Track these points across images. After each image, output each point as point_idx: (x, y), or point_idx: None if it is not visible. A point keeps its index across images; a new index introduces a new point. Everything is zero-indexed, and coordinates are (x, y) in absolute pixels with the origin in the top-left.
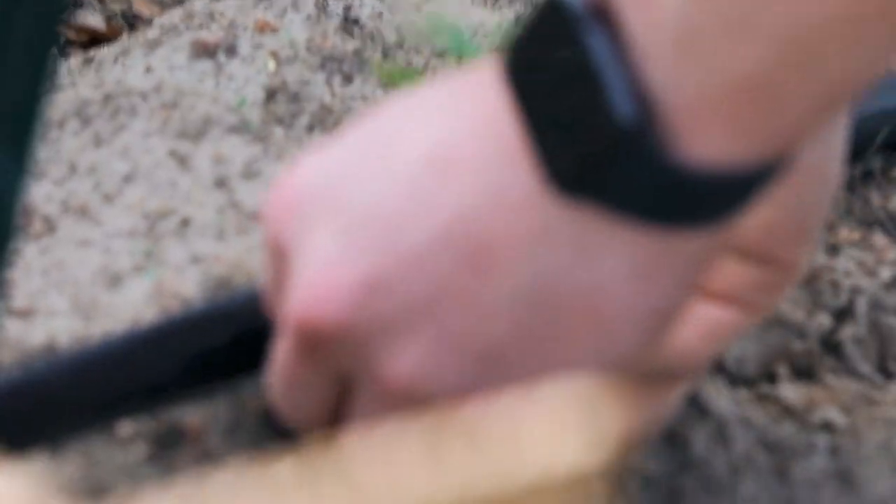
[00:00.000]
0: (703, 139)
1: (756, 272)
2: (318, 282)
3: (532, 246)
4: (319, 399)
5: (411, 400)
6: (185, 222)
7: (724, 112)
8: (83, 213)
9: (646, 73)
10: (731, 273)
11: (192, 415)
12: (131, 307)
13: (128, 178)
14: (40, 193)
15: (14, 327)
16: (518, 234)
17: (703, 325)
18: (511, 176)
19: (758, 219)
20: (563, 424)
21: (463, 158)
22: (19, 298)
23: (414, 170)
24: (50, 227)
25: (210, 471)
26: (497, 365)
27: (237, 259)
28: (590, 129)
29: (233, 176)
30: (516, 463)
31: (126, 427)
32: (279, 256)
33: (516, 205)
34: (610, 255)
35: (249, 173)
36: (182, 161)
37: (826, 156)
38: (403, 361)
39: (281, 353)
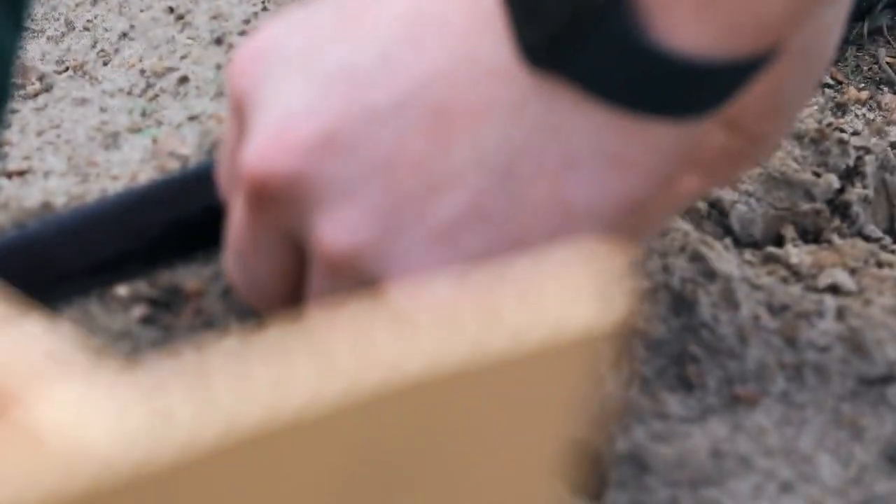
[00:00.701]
0: (677, 24)
1: (722, 139)
2: (275, 132)
3: (498, 117)
4: (273, 271)
5: (353, 273)
6: (183, 80)
7: None
8: (80, 71)
9: None
10: None
11: (190, 277)
12: (128, 166)
13: (125, 36)
14: (37, 51)
15: (10, 188)
16: (485, 103)
17: None
18: (485, 45)
19: None
20: (574, 286)
21: (439, 24)
22: (15, 159)
23: (388, 32)
24: (46, 85)
25: (207, 334)
26: (446, 240)
27: None
28: (563, 2)
29: (231, 33)
30: (528, 323)
31: (124, 289)
32: (240, 111)
33: (487, 74)
34: (578, 137)
35: (248, 30)
36: (180, 18)
37: (814, 41)
38: (344, 226)
39: (234, 217)
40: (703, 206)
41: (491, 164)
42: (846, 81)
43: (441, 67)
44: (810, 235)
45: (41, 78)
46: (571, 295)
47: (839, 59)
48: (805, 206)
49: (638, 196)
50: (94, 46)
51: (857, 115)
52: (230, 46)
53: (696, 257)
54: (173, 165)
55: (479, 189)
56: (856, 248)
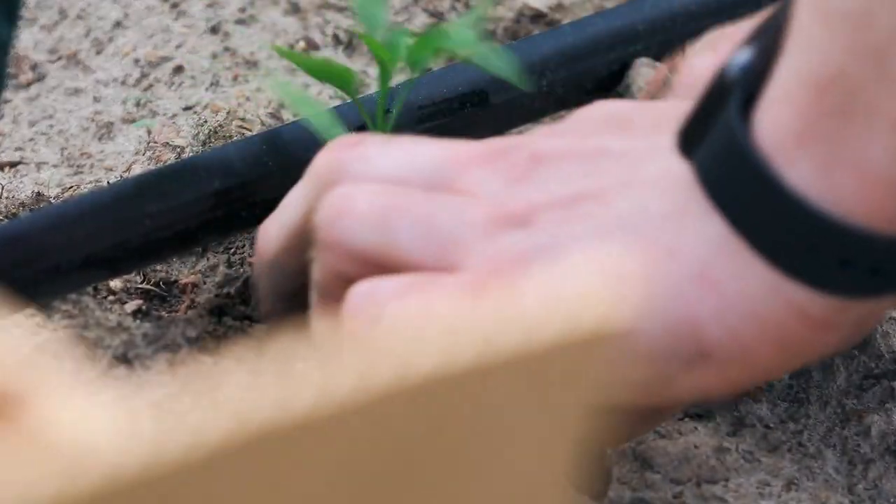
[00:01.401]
0: (786, 149)
1: None
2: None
3: (648, 184)
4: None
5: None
6: (178, 69)
7: (815, 131)
8: (73, 60)
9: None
10: None
11: (185, 270)
12: (123, 158)
13: (119, 24)
14: (29, 40)
15: (2, 179)
16: (640, 155)
17: None
18: (673, 110)
19: None
20: (588, 284)
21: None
22: (8, 150)
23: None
24: (39, 75)
25: (202, 327)
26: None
27: (231, 107)
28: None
29: (227, 21)
30: (541, 321)
31: (118, 282)
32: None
33: (658, 140)
34: (687, 232)
35: (244, 18)
36: (175, 6)
37: None
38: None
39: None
40: None
41: (617, 218)
42: None
43: (654, 115)
44: None
45: (34, 67)
46: (584, 293)
47: None
48: None
49: (700, 333)
50: (87, 35)
51: None
52: (226, 35)
53: None
54: (168, 156)
55: (598, 223)
56: None
